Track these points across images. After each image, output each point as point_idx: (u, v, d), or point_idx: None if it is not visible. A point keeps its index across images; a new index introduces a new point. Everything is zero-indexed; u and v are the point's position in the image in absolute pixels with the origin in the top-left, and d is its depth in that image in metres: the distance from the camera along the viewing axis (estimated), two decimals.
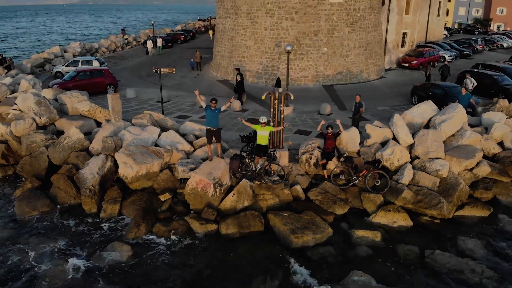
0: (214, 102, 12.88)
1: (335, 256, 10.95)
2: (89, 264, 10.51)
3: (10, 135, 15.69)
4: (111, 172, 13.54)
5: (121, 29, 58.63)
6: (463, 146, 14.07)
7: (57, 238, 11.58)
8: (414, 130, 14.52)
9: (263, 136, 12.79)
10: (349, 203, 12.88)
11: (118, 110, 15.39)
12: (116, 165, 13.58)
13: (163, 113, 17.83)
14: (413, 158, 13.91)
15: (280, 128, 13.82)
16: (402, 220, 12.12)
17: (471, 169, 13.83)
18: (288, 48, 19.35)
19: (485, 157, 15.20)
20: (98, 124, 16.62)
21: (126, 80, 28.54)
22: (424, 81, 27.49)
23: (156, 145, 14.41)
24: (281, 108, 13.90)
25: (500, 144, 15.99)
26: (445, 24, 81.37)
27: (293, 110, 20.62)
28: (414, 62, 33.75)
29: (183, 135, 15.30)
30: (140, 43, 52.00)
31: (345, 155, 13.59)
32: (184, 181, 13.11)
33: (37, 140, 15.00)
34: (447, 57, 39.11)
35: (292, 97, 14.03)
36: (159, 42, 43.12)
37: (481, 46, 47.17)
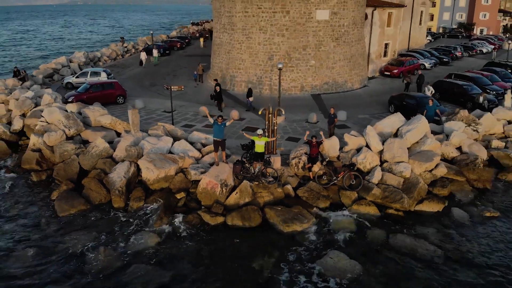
0: (220, 118, 15.77)
1: (318, 240, 13.89)
2: (124, 249, 13.32)
3: (43, 144, 18.42)
4: (135, 175, 16.35)
5: (121, 38, 61.09)
6: (424, 151, 17.10)
7: (96, 229, 14.38)
8: (384, 138, 17.52)
9: (259, 145, 15.70)
10: (330, 199, 15.85)
11: (137, 123, 18.19)
12: (138, 169, 16.39)
13: (173, 124, 20.64)
14: (382, 162, 16.92)
15: (273, 139, 16.72)
16: (372, 212, 15.14)
17: (430, 171, 16.86)
18: (280, 66, 22.38)
19: (445, 160, 18.29)
20: (118, 134, 19.39)
21: (131, 89, 31.14)
22: (404, 89, 30.69)
23: (171, 152, 17.24)
24: (274, 121, 16.79)
25: (459, 149, 19.07)
26: (430, 28, 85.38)
27: (284, 119, 23.52)
28: (395, 71, 36.90)
29: (191, 143, 18.15)
30: (138, 50, 54.59)
31: (326, 159, 16.56)
32: (196, 182, 15.96)
33: (68, 149, 17.76)
34: (426, 65, 42.42)
35: (283, 112, 16.96)
36: (155, 53, 44.45)
37: (460, 53, 50.43)
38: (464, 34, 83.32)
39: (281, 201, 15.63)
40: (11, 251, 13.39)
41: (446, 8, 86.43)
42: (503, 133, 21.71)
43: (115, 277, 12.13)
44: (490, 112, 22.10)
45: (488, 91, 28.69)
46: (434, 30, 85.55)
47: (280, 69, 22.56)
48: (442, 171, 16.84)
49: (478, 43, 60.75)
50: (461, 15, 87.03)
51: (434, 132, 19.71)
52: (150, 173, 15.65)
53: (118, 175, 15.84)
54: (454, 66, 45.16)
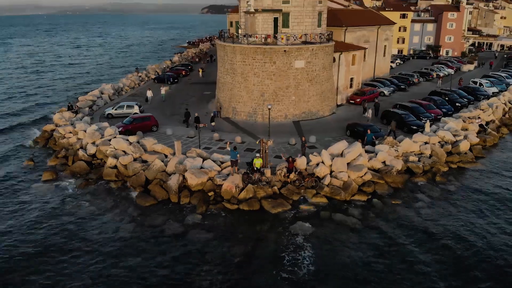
0: (235, 147, 26.43)
1: (292, 217, 24.53)
2: (184, 223, 23.82)
3: (119, 164, 28.89)
4: (182, 182, 26.88)
5: (136, 69, 71.45)
6: (358, 165, 27.91)
7: (163, 215, 24.86)
8: (333, 157, 28.28)
9: (257, 163, 26.35)
10: (299, 194, 26.53)
11: (179, 149, 28.75)
12: (184, 178, 26.92)
13: (199, 147, 31.24)
14: (331, 172, 27.67)
15: (267, 160, 27.40)
16: (323, 201, 25.88)
17: (361, 176, 27.64)
18: (269, 106, 33.20)
19: (373, 170, 29.09)
20: (165, 156, 29.91)
21: (157, 119, 41.52)
22: (362, 113, 41.62)
23: (202, 167, 27.78)
24: (266, 147, 27.45)
25: (384, 162, 29.90)
26: (402, 51, 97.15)
27: (272, 142, 34.20)
28: (358, 100, 47.91)
29: (214, 161, 28.72)
30: (150, 78, 65.11)
31: (298, 170, 27.25)
32: (220, 186, 26.50)
33: (137, 167, 28.26)
34: (386, 92, 53.49)
35: (272, 142, 27.68)
36: (163, 90, 50.61)
37: (417, 80, 61.64)
38: (432, 55, 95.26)
39: (271, 196, 26.23)
40: (116, 228, 23.82)
41: (416, 32, 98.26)
42: (419, 151, 32.60)
43: (185, 237, 22.62)
44: (416, 132, 33.12)
45: (421, 118, 39.70)
46: (405, 52, 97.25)
47: (269, 109, 33.35)
48: (368, 176, 27.67)
49: (437, 67, 72.06)
50: (429, 38, 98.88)
51: (369, 151, 30.62)
52: (192, 181, 26.20)
53: (173, 182, 26.35)
54: (410, 91, 56.35)
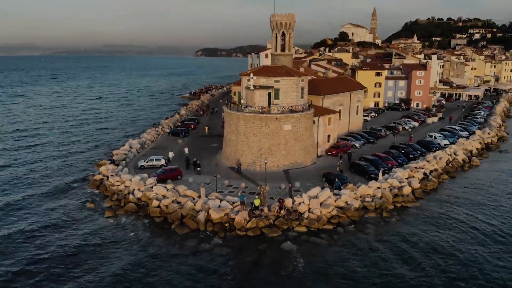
0: (242, 192, 39.07)
1: (283, 240, 36.79)
2: (208, 247, 36.02)
3: (161, 204, 41.32)
4: (207, 216, 39.19)
5: (153, 125, 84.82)
6: (327, 204, 40.59)
7: (194, 238, 37.06)
8: (311, 198, 40.96)
9: (256, 203, 39.00)
10: (287, 224, 38.91)
11: (204, 193, 41.30)
12: (208, 213, 39.31)
13: (216, 191, 43.80)
14: (309, 209, 40.24)
15: (264, 201, 40.04)
16: (304, 230, 38.29)
17: (329, 212, 40.23)
18: (265, 161, 46.18)
19: (339, 207, 41.70)
20: (193, 198, 42.40)
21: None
22: (337, 162, 54.65)
23: (220, 206, 40.22)
24: (264, 192, 40.09)
25: (346, 202, 42.56)
26: (378, 104, 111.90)
27: (268, 187, 46.86)
28: (334, 152, 61.16)
29: (228, 202, 41.21)
30: (165, 132, 78.22)
31: (286, 208, 39.83)
32: (233, 219, 38.85)
33: (175, 206, 40.68)
34: (357, 145, 66.95)
35: (268, 187, 40.43)
36: (186, 150, 60.83)
37: (384, 134, 75.35)
38: (404, 108, 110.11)
39: (268, 225, 38.59)
40: (166, 247, 35.92)
41: (390, 87, 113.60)
42: (373, 193, 45.35)
43: (211, 252, 34.71)
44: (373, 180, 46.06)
45: (379, 168, 52.77)
46: (381, 104, 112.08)
47: (266, 163, 46.30)
48: (334, 212, 40.30)
49: (403, 121, 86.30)
50: (402, 92, 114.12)
51: (337, 194, 43.39)
52: (214, 215, 38.62)
53: (201, 216, 38.72)
54: (378, 144, 69.87)
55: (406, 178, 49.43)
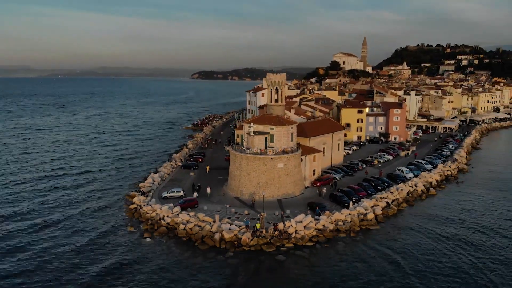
0: (247, 218, 53.64)
1: (276, 253, 51.20)
2: (223, 258, 50.36)
3: (187, 228, 55.74)
4: (221, 236, 53.65)
5: (168, 159, 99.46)
6: (309, 227, 55.17)
7: (213, 253, 51.45)
8: (297, 222, 55.53)
9: (257, 226, 53.55)
10: (280, 242, 53.34)
11: (218, 219, 55.76)
12: (222, 233, 53.73)
13: (227, 217, 58.32)
14: (296, 230, 54.73)
15: (262, 225, 54.59)
16: (291, 245, 52.77)
17: (311, 233, 54.78)
18: (263, 194, 61.04)
19: (318, 229, 56.30)
20: (209, 223, 56.83)
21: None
22: (319, 194, 69.44)
23: (230, 228, 54.65)
24: (262, 218, 54.65)
25: (323, 225, 57.15)
26: (360, 137, 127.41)
27: (266, 214, 61.35)
28: (318, 184, 76.00)
29: (236, 225, 55.65)
30: (178, 165, 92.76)
31: (279, 230, 54.35)
32: (240, 238, 53.17)
33: (197, 229, 55.15)
34: (337, 177, 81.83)
35: (265, 214, 55.09)
36: (208, 189, 78.76)
37: (361, 167, 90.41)
38: (384, 141, 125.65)
39: (266, 243, 52.95)
40: (193, 258, 50.24)
41: (370, 123, 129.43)
42: (344, 218, 59.98)
43: (226, 262, 49.02)
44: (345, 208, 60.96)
45: (352, 198, 67.50)
46: (363, 138, 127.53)
47: (263, 195, 61.07)
48: (314, 233, 54.87)
49: (379, 155, 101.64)
50: (381, 127, 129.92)
51: (317, 219, 58.03)
52: (226, 236, 53.02)
53: (217, 236, 53.09)
54: (355, 176, 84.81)
55: (371, 207, 64.21)
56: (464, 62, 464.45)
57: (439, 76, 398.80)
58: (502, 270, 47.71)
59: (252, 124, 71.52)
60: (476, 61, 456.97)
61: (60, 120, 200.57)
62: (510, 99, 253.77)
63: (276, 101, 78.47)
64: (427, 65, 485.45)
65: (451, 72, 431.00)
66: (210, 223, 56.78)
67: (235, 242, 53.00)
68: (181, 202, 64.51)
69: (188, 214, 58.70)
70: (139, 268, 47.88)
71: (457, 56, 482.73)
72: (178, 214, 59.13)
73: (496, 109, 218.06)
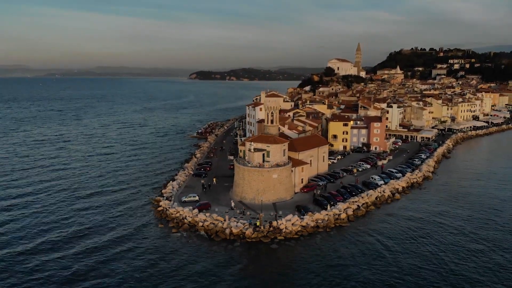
0: (250, 217, 72.49)
1: (270, 243, 70.07)
2: (231, 247, 69.21)
3: (204, 225, 74.64)
4: (230, 231, 72.37)
5: (181, 165, 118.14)
6: (295, 224, 74.19)
7: (225, 243, 70.32)
8: (287, 221, 74.41)
9: (257, 223, 72.40)
10: (274, 235, 72.25)
11: (227, 219, 74.56)
12: (231, 230, 72.59)
13: (235, 217, 77.18)
14: (286, 227, 73.59)
15: (261, 223, 73.48)
16: (282, 238, 71.74)
17: (296, 228, 73.76)
18: (261, 198, 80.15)
19: (302, 225, 75.28)
20: (221, 221, 75.68)
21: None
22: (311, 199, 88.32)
23: (237, 225, 73.44)
24: (261, 217, 73.48)
25: (306, 223, 76.14)
26: (346, 147, 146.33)
27: (263, 215, 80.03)
28: (305, 190, 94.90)
29: (241, 223, 74.44)
30: (190, 173, 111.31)
31: (274, 226, 73.24)
32: (244, 232, 71.97)
33: (212, 226, 73.93)
34: (320, 183, 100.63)
35: (263, 214, 74.01)
36: (215, 180, 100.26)
37: (341, 175, 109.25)
38: (366, 150, 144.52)
39: (263, 236, 71.67)
40: (211, 247, 69.07)
41: (354, 134, 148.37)
42: (323, 217, 78.91)
43: (234, 250, 67.85)
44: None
45: (330, 202, 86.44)
46: (348, 148, 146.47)
47: (261, 200, 79.98)
48: (299, 228, 73.73)
49: (357, 164, 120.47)
50: (364, 138, 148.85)
51: (302, 218, 76.91)
52: (234, 230, 71.76)
53: (227, 231, 71.78)
54: (336, 183, 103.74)
55: (344, 209, 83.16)
56: (456, 66, 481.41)
57: (430, 81, 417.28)
58: (447, 254, 66.71)
59: (252, 143, 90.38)
60: (467, 65, 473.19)
61: (76, 130, 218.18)
62: (492, 106, 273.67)
63: (272, 121, 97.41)
64: (420, 69, 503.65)
65: (443, 76, 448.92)
66: (221, 221, 75.54)
67: (241, 235, 71.72)
68: (198, 205, 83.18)
69: (205, 214, 77.49)
70: (173, 252, 66.64)
71: (449, 60, 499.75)
72: (197, 215, 77.93)
73: (475, 118, 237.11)
